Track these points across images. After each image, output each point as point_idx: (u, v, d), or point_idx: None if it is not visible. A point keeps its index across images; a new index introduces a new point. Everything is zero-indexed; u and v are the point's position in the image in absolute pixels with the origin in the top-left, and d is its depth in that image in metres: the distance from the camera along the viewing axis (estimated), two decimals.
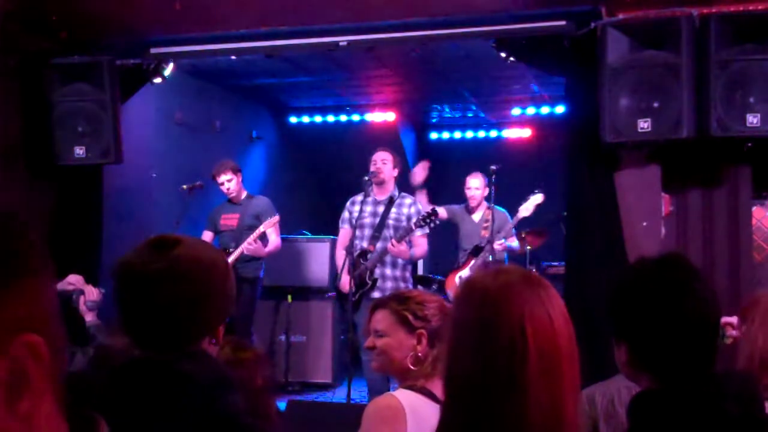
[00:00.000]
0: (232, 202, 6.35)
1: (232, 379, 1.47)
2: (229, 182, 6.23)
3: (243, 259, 6.07)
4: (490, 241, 6.05)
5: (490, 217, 6.19)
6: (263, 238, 6.19)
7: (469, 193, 6.49)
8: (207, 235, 6.33)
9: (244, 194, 6.38)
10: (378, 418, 2.26)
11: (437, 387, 2.23)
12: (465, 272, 6.09)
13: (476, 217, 6.42)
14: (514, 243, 6.36)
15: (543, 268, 6.85)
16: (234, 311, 5.54)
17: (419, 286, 6.20)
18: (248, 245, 5.99)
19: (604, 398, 2.33)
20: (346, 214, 5.87)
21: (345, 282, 5.60)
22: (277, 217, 6.15)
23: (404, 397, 2.26)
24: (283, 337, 6.99)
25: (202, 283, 1.49)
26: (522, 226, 6.41)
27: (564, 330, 1.36)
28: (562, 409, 1.32)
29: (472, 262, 6.15)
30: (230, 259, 5.95)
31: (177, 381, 1.40)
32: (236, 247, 6.06)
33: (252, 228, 6.18)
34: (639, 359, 1.58)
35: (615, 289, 1.65)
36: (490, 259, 6.05)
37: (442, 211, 6.18)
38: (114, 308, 1.51)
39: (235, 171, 6.29)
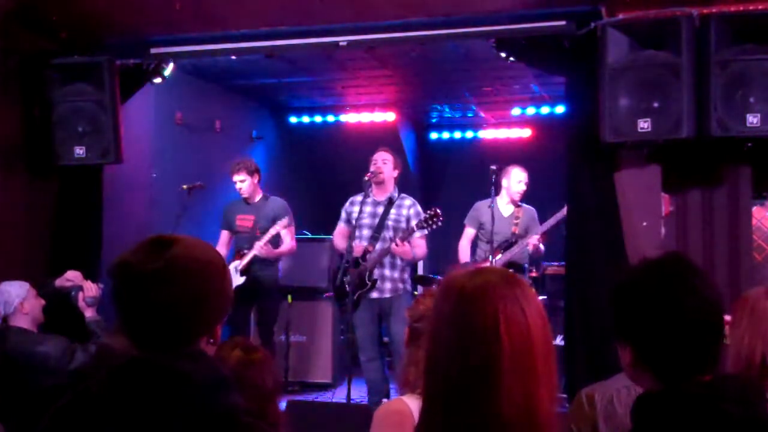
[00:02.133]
0: (246, 202, 6.32)
1: (231, 379, 1.47)
2: (242, 183, 6.20)
3: (262, 262, 6.08)
4: (517, 240, 6.03)
5: (520, 214, 6.17)
6: (277, 239, 6.20)
7: (518, 187, 6.15)
8: (224, 235, 6.32)
9: (259, 195, 6.33)
10: (387, 423, 2.29)
11: None
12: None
13: (506, 212, 6.21)
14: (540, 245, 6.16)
15: (543, 268, 6.84)
16: (263, 315, 5.56)
17: (419, 286, 6.20)
18: (260, 249, 5.97)
19: (603, 398, 2.33)
20: (344, 214, 5.88)
21: (358, 247, 5.57)
22: (286, 220, 6.11)
23: (413, 402, 2.28)
24: (283, 337, 6.99)
25: (199, 282, 1.49)
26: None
27: (539, 328, 1.38)
28: (535, 406, 1.34)
29: (499, 256, 6.04)
30: (245, 262, 5.98)
31: (175, 381, 1.40)
32: (250, 250, 6.07)
33: (267, 231, 6.19)
34: (642, 360, 1.58)
35: (617, 291, 1.66)
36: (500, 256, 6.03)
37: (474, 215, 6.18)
38: (113, 306, 1.51)
39: (251, 172, 6.23)
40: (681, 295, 1.56)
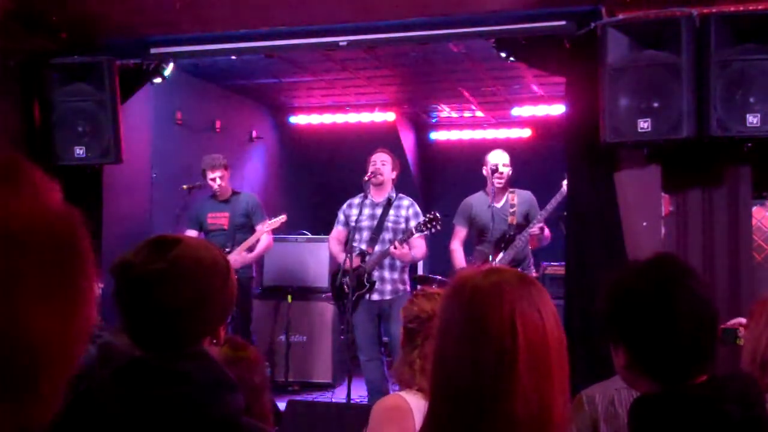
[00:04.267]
0: (216, 199, 6.23)
1: (233, 379, 1.47)
2: (221, 178, 6.12)
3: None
4: (515, 233, 5.52)
5: (515, 200, 5.64)
6: (250, 235, 6.15)
7: (499, 170, 5.57)
8: (191, 234, 6.17)
9: (230, 191, 6.29)
10: (386, 417, 2.31)
11: None
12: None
13: (497, 203, 5.64)
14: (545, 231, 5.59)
15: (543, 268, 6.85)
16: (235, 317, 5.42)
17: (418, 286, 6.18)
18: (235, 261, 5.84)
19: (604, 399, 2.33)
20: (341, 217, 5.87)
21: (346, 261, 5.51)
22: (266, 221, 6.10)
23: (411, 397, 2.29)
24: (283, 337, 6.99)
25: (202, 283, 1.49)
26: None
27: (554, 330, 1.36)
28: (550, 408, 1.32)
29: (500, 255, 5.53)
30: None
31: (176, 382, 1.39)
32: (233, 248, 6.01)
33: (244, 227, 6.14)
34: (637, 362, 1.57)
35: (608, 293, 1.65)
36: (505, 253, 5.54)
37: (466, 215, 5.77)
38: (113, 307, 1.51)
39: (227, 167, 6.20)
40: (676, 296, 1.56)
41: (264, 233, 6.10)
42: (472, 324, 1.35)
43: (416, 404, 2.27)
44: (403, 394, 2.34)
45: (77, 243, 0.67)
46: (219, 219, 6.21)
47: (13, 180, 0.62)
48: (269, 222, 6.13)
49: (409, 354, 2.37)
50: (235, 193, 6.31)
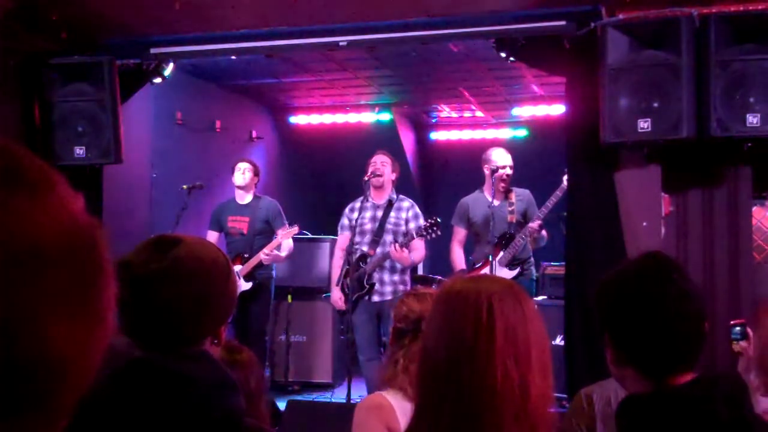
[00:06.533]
0: (239, 202, 6.33)
1: (233, 381, 1.47)
2: (247, 170, 6.27)
3: (258, 263, 6.11)
4: (515, 231, 5.48)
5: (513, 198, 5.60)
6: (272, 237, 6.24)
7: (503, 172, 5.55)
8: (212, 236, 6.29)
9: (251, 195, 6.36)
10: (369, 415, 2.36)
11: None
12: (493, 267, 5.35)
13: (496, 201, 5.56)
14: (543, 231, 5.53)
15: (543, 268, 6.84)
16: (252, 313, 5.55)
17: (418, 286, 6.18)
18: (265, 255, 6.03)
19: (600, 399, 2.34)
20: (345, 221, 5.86)
21: (336, 299, 5.65)
22: (287, 227, 6.18)
23: (391, 397, 2.33)
24: (283, 337, 6.99)
25: (203, 282, 1.49)
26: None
27: (537, 329, 1.40)
28: (528, 384, 1.35)
29: (501, 254, 5.50)
30: (249, 267, 6.02)
31: (177, 382, 1.39)
32: (252, 254, 6.09)
33: (263, 232, 6.21)
34: (625, 355, 1.58)
35: (597, 291, 1.67)
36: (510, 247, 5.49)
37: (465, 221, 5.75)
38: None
39: (256, 170, 6.37)
40: (660, 288, 1.57)
41: (285, 238, 6.18)
42: (451, 310, 1.41)
43: (397, 403, 2.31)
44: (384, 393, 2.38)
45: (100, 257, 0.67)
46: (239, 223, 6.27)
47: (38, 191, 0.62)
48: (285, 231, 6.17)
49: (395, 353, 2.41)
50: (256, 197, 6.37)
